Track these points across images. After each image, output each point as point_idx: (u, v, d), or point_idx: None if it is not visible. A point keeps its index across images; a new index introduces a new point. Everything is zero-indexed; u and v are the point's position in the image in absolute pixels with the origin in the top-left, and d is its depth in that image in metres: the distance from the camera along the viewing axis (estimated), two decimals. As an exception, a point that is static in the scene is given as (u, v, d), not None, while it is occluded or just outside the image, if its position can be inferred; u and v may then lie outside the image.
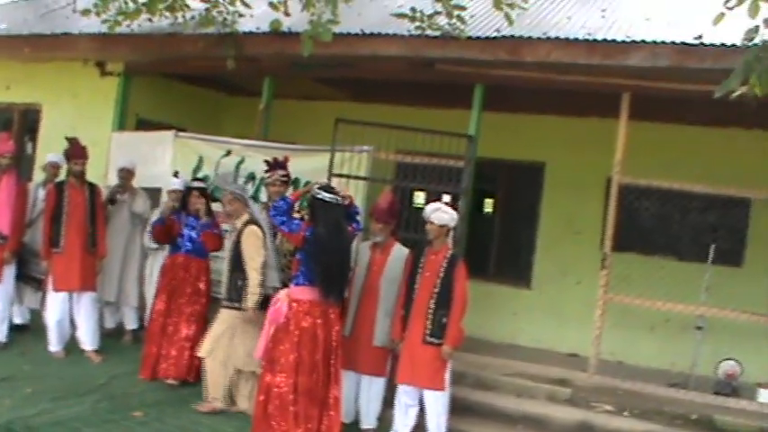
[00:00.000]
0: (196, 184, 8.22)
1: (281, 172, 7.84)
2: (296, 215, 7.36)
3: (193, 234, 7.99)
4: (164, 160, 9.68)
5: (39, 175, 10.49)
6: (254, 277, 7.05)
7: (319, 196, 6.36)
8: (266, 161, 8.02)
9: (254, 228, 7.19)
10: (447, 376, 6.75)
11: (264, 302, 6.99)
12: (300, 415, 6.21)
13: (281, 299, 6.38)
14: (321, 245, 6.29)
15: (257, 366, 6.81)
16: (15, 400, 6.89)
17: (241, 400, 7.26)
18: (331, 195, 6.38)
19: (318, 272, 6.31)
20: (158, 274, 8.50)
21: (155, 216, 8.61)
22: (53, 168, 9.21)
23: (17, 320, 9.16)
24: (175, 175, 8.67)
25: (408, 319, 6.78)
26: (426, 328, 6.66)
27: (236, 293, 7.17)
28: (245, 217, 7.28)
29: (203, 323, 7.82)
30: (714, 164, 8.87)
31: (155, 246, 8.80)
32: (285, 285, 7.05)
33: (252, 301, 7.05)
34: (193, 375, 7.70)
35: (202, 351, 7.23)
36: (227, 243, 7.44)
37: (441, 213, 6.72)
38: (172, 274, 8.04)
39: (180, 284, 7.99)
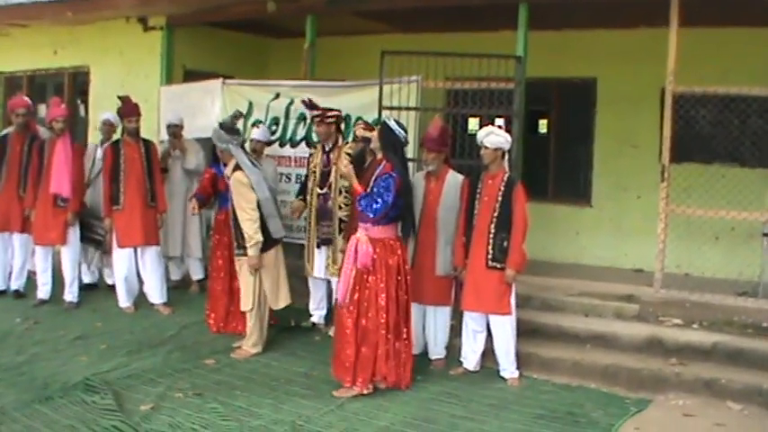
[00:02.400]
0: None
1: (315, 112, 7.85)
2: (348, 149, 7.52)
3: None
4: (213, 109, 9.71)
5: (94, 137, 10.67)
6: (247, 227, 7.02)
7: (396, 132, 6.35)
8: (303, 101, 8.04)
9: (237, 174, 7.09)
10: (512, 300, 6.75)
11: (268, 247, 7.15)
12: (390, 352, 6.32)
13: (362, 240, 6.32)
14: (404, 183, 6.35)
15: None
16: (91, 356, 7.08)
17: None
18: (401, 131, 6.40)
19: (403, 209, 6.37)
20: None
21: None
22: (108, 127, 9.30)
23: (86, 280, 9.41)
24: (255, 125, 9.04)
25: (470, 245, 6.78)
26: (488, 253, 6.65)
27: (240, 242, 7.20)
28: (233, 163, 7.20)
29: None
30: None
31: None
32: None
33: (252, 250, 7.05)
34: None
35: (245, 305, 7.32)
36: None
37: (493, 136, 6.65)
38: (225, 230, 7.96)
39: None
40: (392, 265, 6.32)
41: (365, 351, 6.28)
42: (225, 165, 7.53)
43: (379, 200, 6.18)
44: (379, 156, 6.44)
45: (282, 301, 7.44)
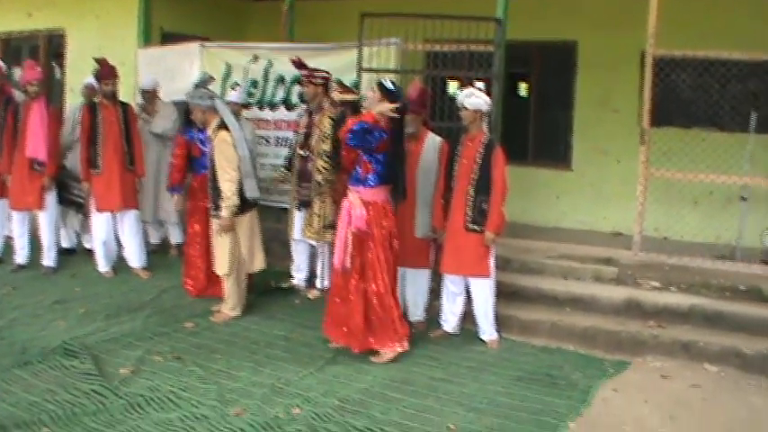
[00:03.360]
0: None
1: (303, 72, 7.84)
2: (330, 114, 7.40)
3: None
4: (192, 73, 9.56)
5: (71, 99, 10.53)
6: (226, 189, 6.95)
7: (391, 91, 6.20)
8: (292, 60, 8.01)
9: (222, 134, 7.02)
10: (491, 262, 6.76)
11: (245, 209, 7.10)
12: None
13: (354, 203, 6.28)
14: (399, 142, 6.31)
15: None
16: (69, 320, 7.05)
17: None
18: (396, 89, 6.28)
19: (396, 170, 6.32)
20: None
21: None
22: (90, 90, 9.11)
23: (65, 244, 9.34)
24: (233, 87, 8.93)
25: (449, 207, 6.78)
26: (467, 216, 6.65)
27: (218, 203, 7.11)
28: (216, 121, 7.09)
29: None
30: (753, 30, 8.58)
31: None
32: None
33: (227, 211, 6.99)
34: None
35: (221, 269, 7.27)
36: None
37: (473, 98, 6.61)
38: (201, 195, 7.89)
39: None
40: (385, 227, 6.32)
41: (381, 314, 6.29)
42: (200, 130, 7.46)
43: (367, 136, 6.06)
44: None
45: (258, 264, 7.43)
